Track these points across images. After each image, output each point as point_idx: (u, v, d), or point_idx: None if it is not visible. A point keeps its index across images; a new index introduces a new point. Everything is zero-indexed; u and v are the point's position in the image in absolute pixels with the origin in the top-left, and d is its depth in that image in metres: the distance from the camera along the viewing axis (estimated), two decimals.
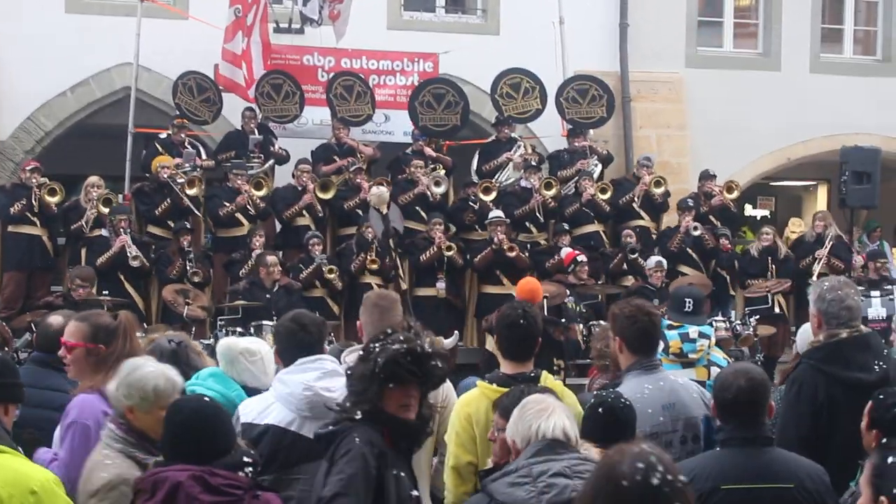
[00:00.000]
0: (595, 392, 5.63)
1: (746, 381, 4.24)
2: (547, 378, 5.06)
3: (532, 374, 5.00)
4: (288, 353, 4.65)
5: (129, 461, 4.04)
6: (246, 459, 3.76)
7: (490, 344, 12.31)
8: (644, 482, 2.57)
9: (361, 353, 3.96)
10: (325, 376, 4.49)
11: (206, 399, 3.95)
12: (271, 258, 12.29)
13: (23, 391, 4.23)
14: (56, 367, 5.11)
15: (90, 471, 4.05)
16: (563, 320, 11.80)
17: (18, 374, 4.27)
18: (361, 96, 14.44)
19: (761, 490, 4.08)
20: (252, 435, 4.41)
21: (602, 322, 10.77)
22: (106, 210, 12.70)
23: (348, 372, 3.97)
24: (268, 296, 12.04)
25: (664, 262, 13.19)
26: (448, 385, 5.24)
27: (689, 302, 6.95)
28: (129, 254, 12.31)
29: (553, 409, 3.83)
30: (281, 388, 4.56)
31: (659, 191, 14.29)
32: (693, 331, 6.73)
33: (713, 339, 7.01)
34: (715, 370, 6.47)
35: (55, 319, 5.51)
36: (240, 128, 14.30)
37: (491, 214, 13.28)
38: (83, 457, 4.39)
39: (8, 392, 4.09)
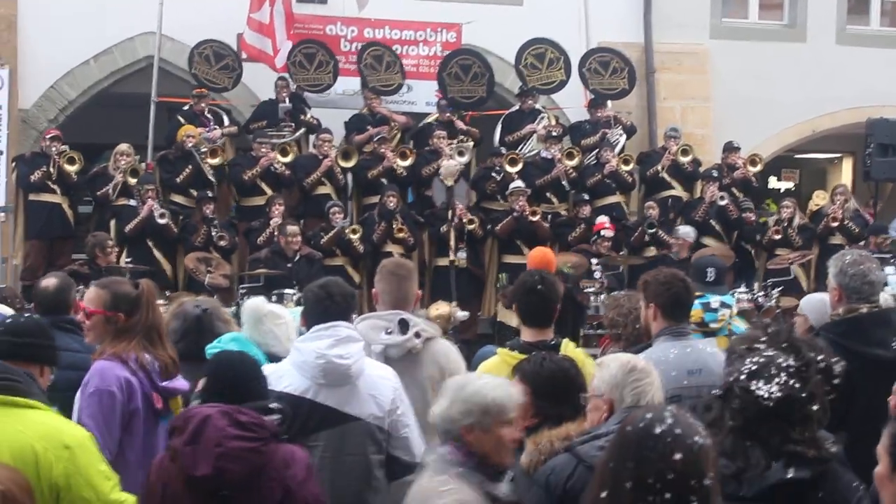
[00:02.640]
0: None
1: None
2: (567, 346, 5.07)
3: (552, 342, 5.01)
4: (312, 319, 4.64)
5: (470, 488, 3.60)
6: (273, 406, 3.85)
7: (504, 316, 12.36)
8: (645, 429, 2.68)
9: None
10: (339, 343, 4.46)
11: (247, 354, 4.03)
12: (292, 228, 12.33)
13: (57, 353, 4.27)
14: (61, 327, 5.10)
15: (424, 499, 3.63)
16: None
17: (53, 336, 4.30)
18: (391, 66, 14.45)
19: None
20: None
21: (624, 292, 10.76)
22: (133, 180, 12.78)
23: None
24: (289, 265, 12.10)
25: (692, 233, 13.14)
26: (453, 350, 5.26)
27: (711, 271, 6.94)
28: (155, 213, 12.36)
29: (656, 382, 3.89)
30: (296, 356, 4.56)
31: (686, 159, 14.26)
32: (715, 300, 6.72)
33: (735, 309, 7.02)
34: None
35: (49, 282, 5.54)
36: (272, 97, 14.31)
37: (512, 185, 13.29)
38: (109, 422, 4.42)
39: (43, 353, 4.15)
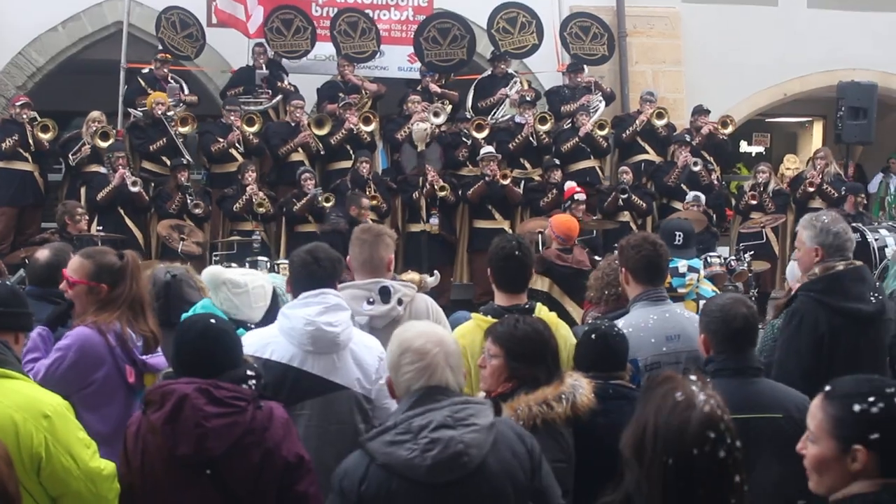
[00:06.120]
0: (588, 323, 5.68)
1: (748, 309, 4.30)
2: (541, 310, 5.08)
3: (526, 306, 5.02)
4: (299, 284, 4.57)
5: None
6: (249, 373, 3.80)
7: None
8: (711, 454, 2.75)
9: None
10: (328, 311, 4.43)
11: (213, 320, 3.92)
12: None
13: (32, 320, 4.24)
14: (50, 299, 5.08)
15: None
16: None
17: (27, 303, 4.25)
18: (366, 32, 14.35)
19: (753, 420, 4.05)
20: None
21: (596, 257, 10.80)
22: (103, 144, 12.65)
23: None
24: None
25: (703, 197, 13.13)
26: (431, 303, 5.27)
27: (679, 235, 6.90)
28: (127, 181, 12.28)
29: (434, 358, 3.49)
30: (284, 322, 4.52)
31: (661, 123, 14.28)
32: (682, 265, 6.68)
33: (702, 273, 7.00)
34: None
35: (42, 254, 5.53)
36: (250, 64, 14.24)
37: (483, 150, 13.26)
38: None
39: (18, 321, 4.10)
